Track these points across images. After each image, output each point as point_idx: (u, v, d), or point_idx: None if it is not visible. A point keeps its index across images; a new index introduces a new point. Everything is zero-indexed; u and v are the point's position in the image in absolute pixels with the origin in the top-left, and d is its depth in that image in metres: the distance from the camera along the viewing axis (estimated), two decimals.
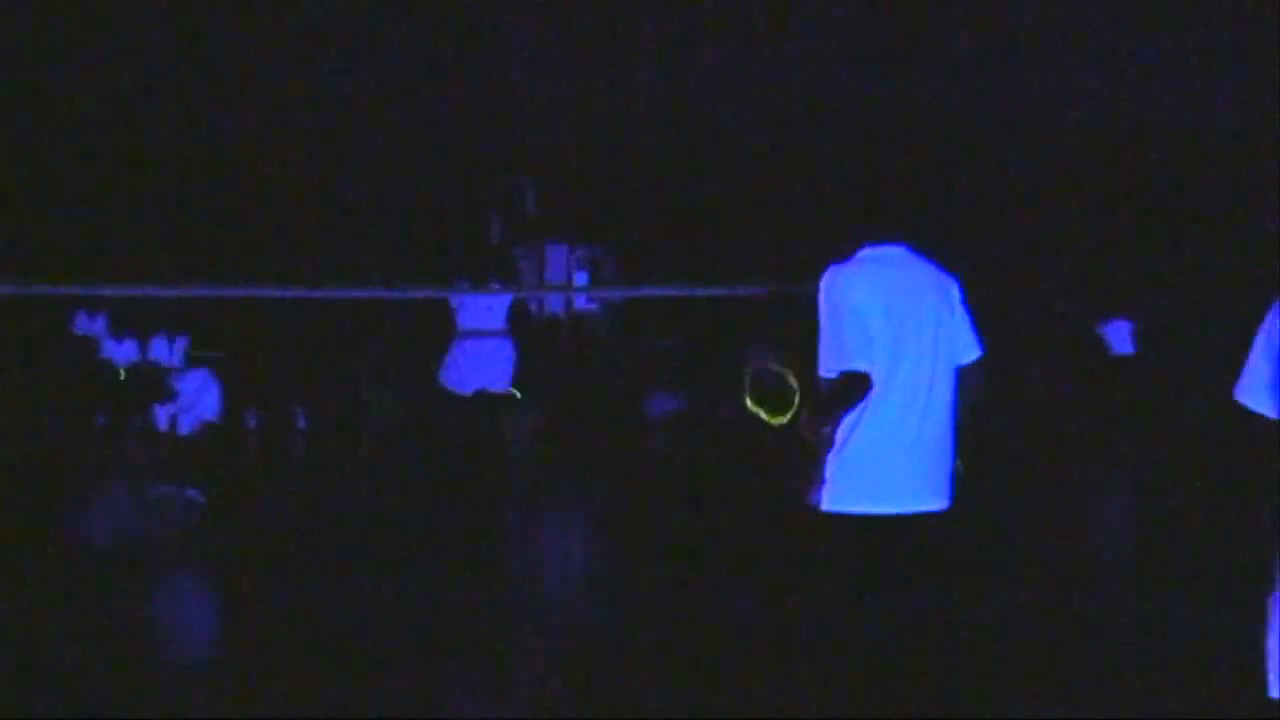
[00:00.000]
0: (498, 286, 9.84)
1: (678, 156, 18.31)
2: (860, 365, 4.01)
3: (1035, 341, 15.12)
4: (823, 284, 4.15)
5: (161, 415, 10.29)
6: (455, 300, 9.39)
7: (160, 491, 10.43)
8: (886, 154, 17.16)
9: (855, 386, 3.99)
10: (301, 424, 16.50)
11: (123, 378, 15.21)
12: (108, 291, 11.35)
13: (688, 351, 17.12)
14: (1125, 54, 16.73)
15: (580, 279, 18.62)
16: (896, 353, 4.04)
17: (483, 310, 9.44)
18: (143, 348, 15.06)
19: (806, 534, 4.02)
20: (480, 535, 9.15)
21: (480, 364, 9.47)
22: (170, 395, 10.31)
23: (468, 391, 9.53)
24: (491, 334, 9.46)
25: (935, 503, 4.01)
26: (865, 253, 4.22)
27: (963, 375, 4.12)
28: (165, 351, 15.24)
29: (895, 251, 4.20)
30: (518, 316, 9.52)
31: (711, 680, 5.65)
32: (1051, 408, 14.49)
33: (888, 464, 3.99)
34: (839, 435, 4.02)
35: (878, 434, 3.99)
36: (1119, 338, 14.97)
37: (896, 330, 4.04)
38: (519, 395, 9.51)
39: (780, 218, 17.68)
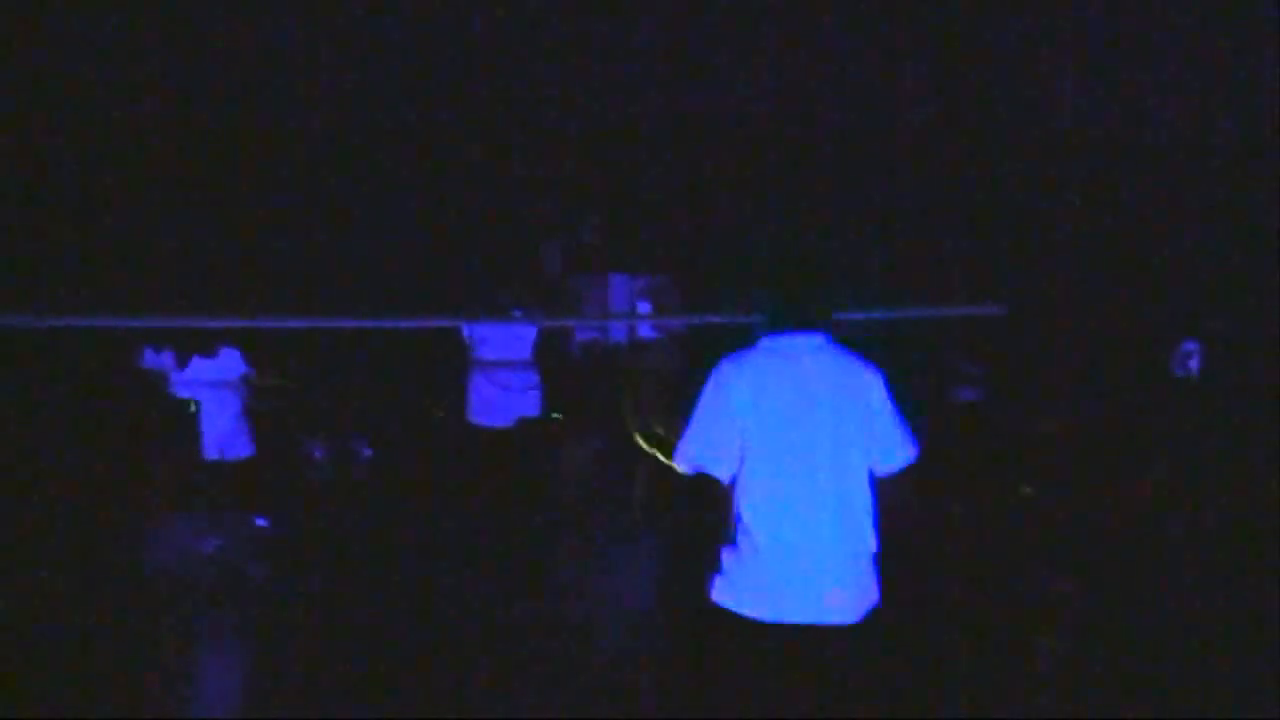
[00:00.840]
0: (519, 315, 9.80)
1: (743, 183, 18.27)
2: (711, 469, 3.79)
3: (1095, 365, 14.89)
4: (711, 374, 3.90)
5: (209, 447, 10.33)
6: (475, 332, 9.31)
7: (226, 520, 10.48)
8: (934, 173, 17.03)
9: (702, 487, 3.82)
10: (366, 453, 16.55)
11: (191, 410, 15.36)
12: (171, 323, 11.44)
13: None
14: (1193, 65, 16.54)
15: (643, 308, 18.59)
16: (780, 456, 3.73)
17: (511, 340, 9.40)
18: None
19: (697, 621, 3.84)
20: (534, 565, 9.12)
21: (512, 395, 9.41)
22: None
23: (505, 424, 9.45)
24: (518, 364, 9.41)
25: (832, 617, 3.67)
26: (764, 343, 3.92)
27: (887, 482, 3.80)
28: None
29: (804, 342, 3.87)
30: (547, 347, 9.46)
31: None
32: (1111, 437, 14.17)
33: (773, 570, 3.70)
34: (729, 528, 3.81)
35: (764, 538, 3.72)
36: (1181, 360, 14.63)
37: (781, 433, 3.74)
38: (559, 418, 9.47)
39: (842, 246, 17.58)
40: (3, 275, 15.00)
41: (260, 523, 10.44)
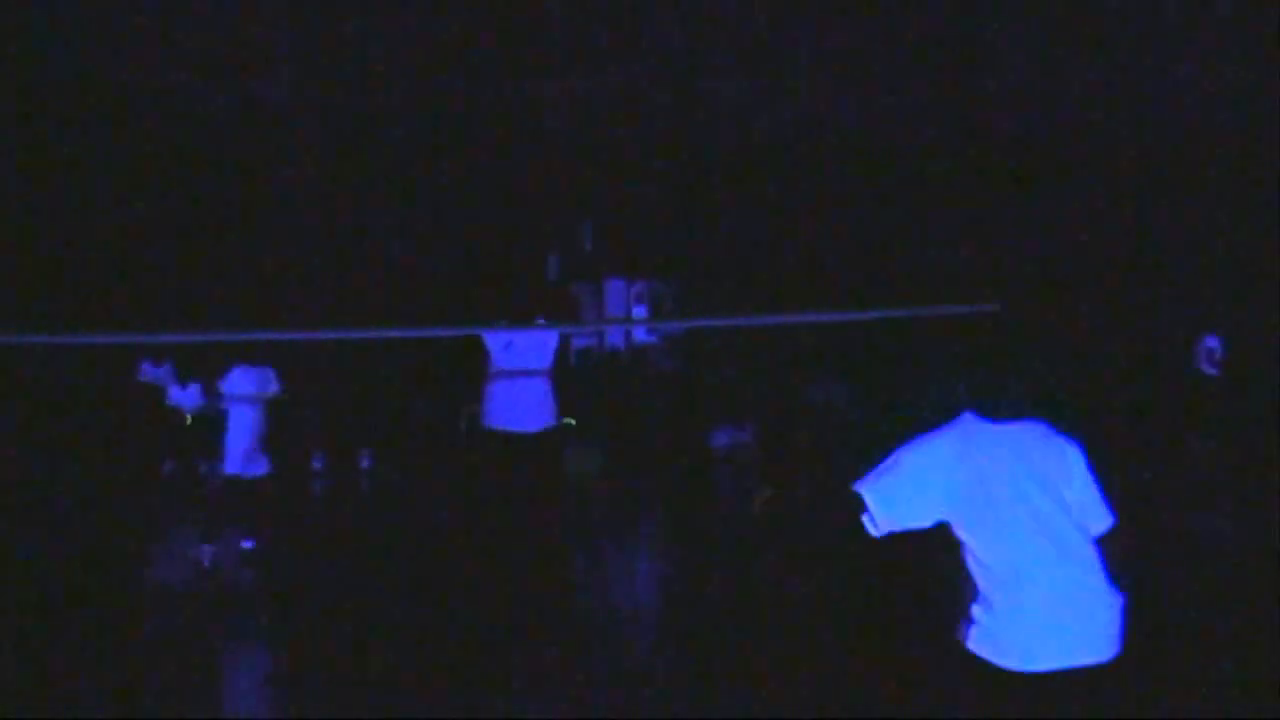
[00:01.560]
0: (542, 322, 9.80)
1: (737, 188, 18.30)
2: (873, 508, 3.87)
3: (1118, 360, 14.85)
4: (919, 442, 3.94)
5: (229, 463, 10.34)
6: (496, 340, 9.31)
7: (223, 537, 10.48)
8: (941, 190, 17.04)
9: (851, 507, 3.88)
10: (365, 464, 16.57)
11: (189, 423, 15.37)
12: (169, 338, 11.42)
13: (750, 383, 17.06)
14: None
15: (639, 313, 18.63)
16: (1006, 523, 3.82)
17: (532, 349, 9.40)
18: (208, 393, 15.21)
19: (955, 666, 3.86)
20: (544, 570, 9.12)
21: (535, 402, 9.41)
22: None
23: (524, 430, 9.44)
24: (537, 373, 9.40)
25: (1089, 657, 3.75)
26: (970, 420, 4.00)
27: (1101, 544, 3.88)
28: None
29: (1019, 428, 3.97)
30: (561, 355, 9.47)
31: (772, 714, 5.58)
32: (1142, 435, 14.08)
33: (1031, 625, 3.77)
34: (981, 588, 3.86)
35: (1015, 601, 3.79)
36: (1206, 356, 14.52)
37: (998, 499, 3.83)
38: (572, 422, 9.46)
39: (840, 248, 17.60)
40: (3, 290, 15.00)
41: (247, 544, 10.43)
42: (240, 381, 10.63)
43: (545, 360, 9.45)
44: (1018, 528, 3.81)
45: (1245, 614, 7.03)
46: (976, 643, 3.81)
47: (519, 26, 16.91)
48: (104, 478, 14.02)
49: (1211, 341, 14.65)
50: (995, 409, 3.98)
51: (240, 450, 10.43)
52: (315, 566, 10.00)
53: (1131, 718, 3.82)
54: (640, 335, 18.45)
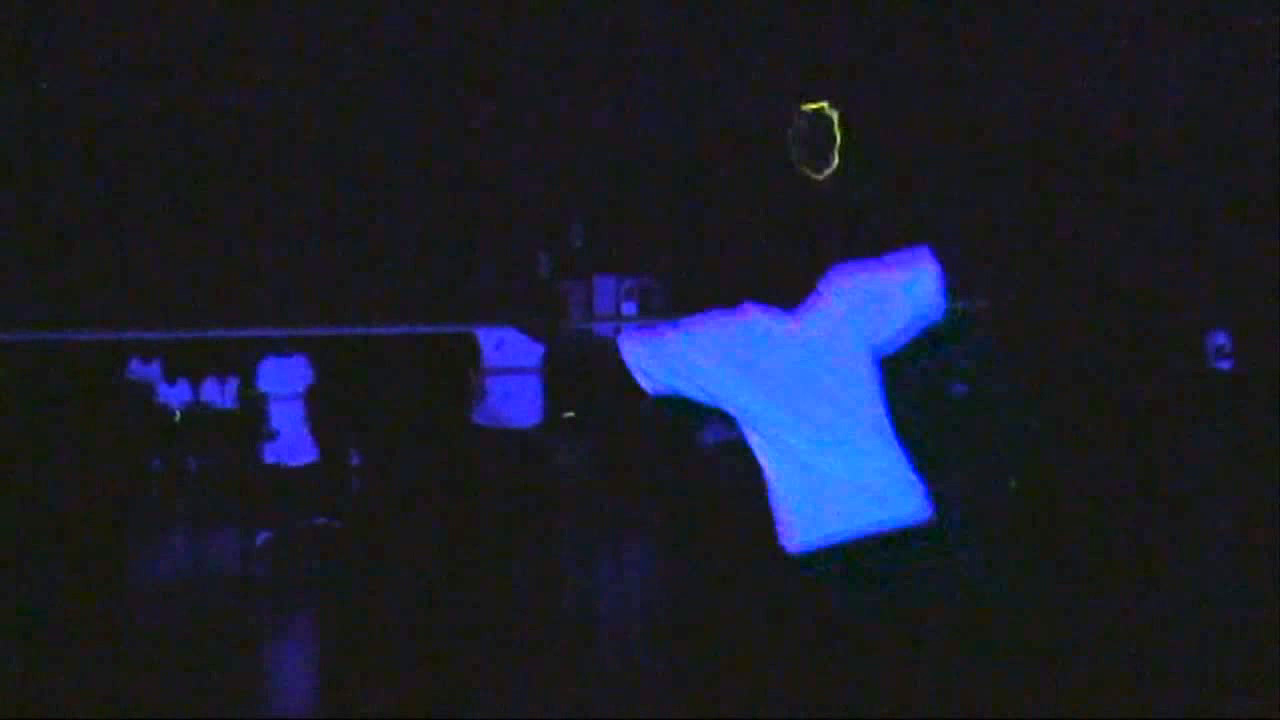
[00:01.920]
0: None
1: (728, 185, 18.30)
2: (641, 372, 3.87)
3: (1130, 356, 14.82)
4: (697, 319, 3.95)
5: (268, 452, 10.34)
6: (488, 337, 9.30)
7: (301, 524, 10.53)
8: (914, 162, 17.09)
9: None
10: (355, 460, 16.52)
11: (177, 420, 15.38)
12: (158, 336, 11.40)
13: None
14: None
15: (629, 309, 18.62)
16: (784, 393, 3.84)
17: (523, 346, 9.39)
18: (195, 390, 15.23)
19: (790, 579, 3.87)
20: (535, 565, 9.12)
21: (525, 399, 9.42)
22: (271, 434, 10.39)
23: (522, 425, 9.45)
24: (528, 370, 9.41)
25: (899, 517, 3.73)
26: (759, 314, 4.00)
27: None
28: (217, 393, 15.39)
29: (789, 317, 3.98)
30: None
31: (760, 707, 5.58)
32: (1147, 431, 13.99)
33: (821, 490, 3.77)
34: (766, 477, 3.86)
35: (793, 464, 3.78)
36: (1216, 351, 14.39)
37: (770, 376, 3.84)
38: (571, 415, 9.46)
39: (830, 245, 17.56)
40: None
41: (323, 521, 10.46)
42: (275, 374, 10.64)
43: (535, 357, 9.46)
44: (798, 407, 3.80)
45: (1246, 610, 7.05)
46: (787, 539, 3.83)
47: (510, 25, 16.89)
48: (92, 475, 14.00)
49: (1220, 338, 14.58)
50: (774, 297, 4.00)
51: (284, 440, 10.43)
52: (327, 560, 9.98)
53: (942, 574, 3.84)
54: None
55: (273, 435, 10.32)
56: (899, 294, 3.89)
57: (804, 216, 18.03)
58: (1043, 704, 5.44)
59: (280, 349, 10.49)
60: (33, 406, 14.24)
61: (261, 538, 10.43)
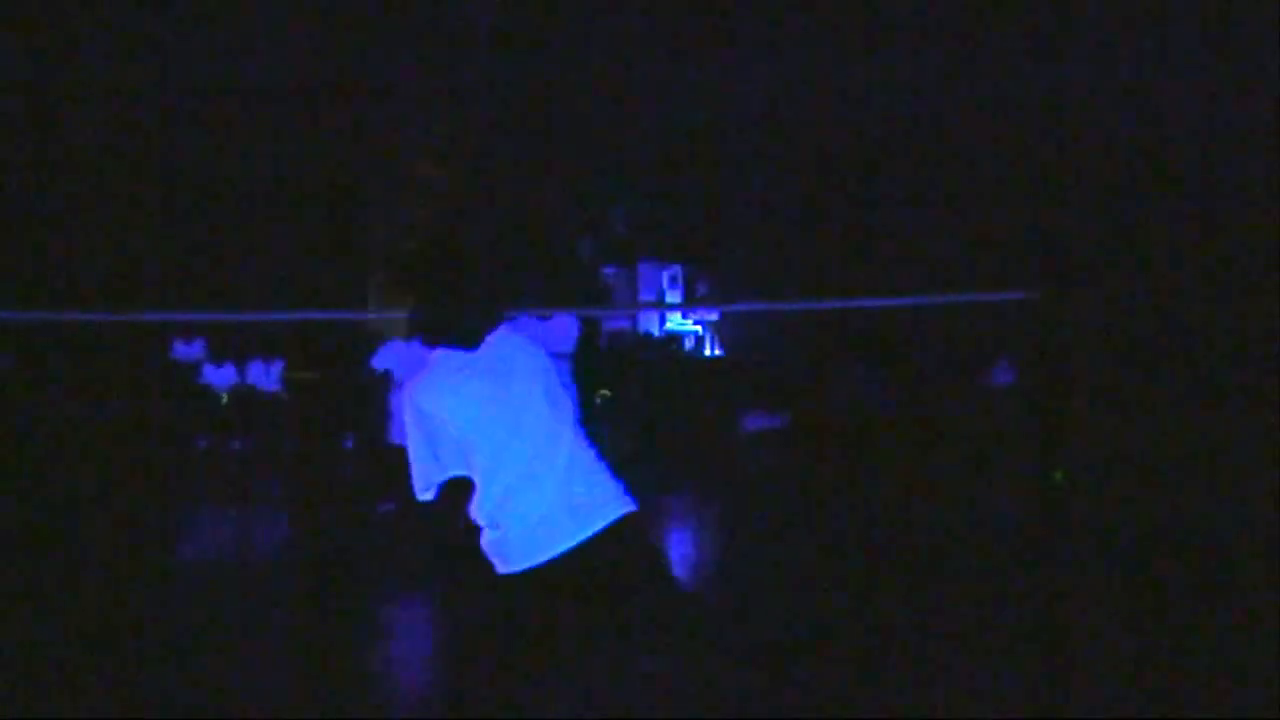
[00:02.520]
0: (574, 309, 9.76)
1: (772, 173, 18.24)
2: (454, 472, 3.96)
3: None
4: (405, 400, 4.03)
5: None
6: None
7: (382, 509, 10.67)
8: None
9: (452, 495, 3.97)
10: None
11: (225, 402, 15.50)
12: (202, 317, 11.48)
13: (785, 369, 17.01)
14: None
15: (672, 297, 18.62)
16: (496, 438, 3.96)
17: (558, 333, 9.35)
18: (241, 372, 15.34)
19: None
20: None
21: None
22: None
23: None
24: (563, 357, 9.36)
25: (601, 520, 3.89)
26: (437, 354, 4.08)
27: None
28: (263, 375, 15.49)
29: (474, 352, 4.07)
30: (589, 339, 9.43)
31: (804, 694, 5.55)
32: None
33: (542, 525, 3.92)
34: (477, 522, 3.97)
35: (513, 509, 3.93)
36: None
37: (490, 419, 3.95)
38: (606, 394, 9.43)
39: (870, 233, 17.52)
40: (40, 272, 15.09)
41: (388, 507, 10.58)
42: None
43: (569, 344, 9.42)
44: (501, 439, 3.87)
45: None
46: (497, 560, 3.97)
47: (555, 11, 16.89)
48: (138, 455, 14.11)
49: None
50: (456, 337, 4.07)
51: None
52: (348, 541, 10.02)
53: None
54: (673, 319, 18.44)
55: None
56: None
57: (849, 210, 17.98)
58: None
59: (397, 332, 10.59)
60: (80, 387, 14.38)
61: (383, 508, 10.56)
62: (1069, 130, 16.95)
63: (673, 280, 19.16)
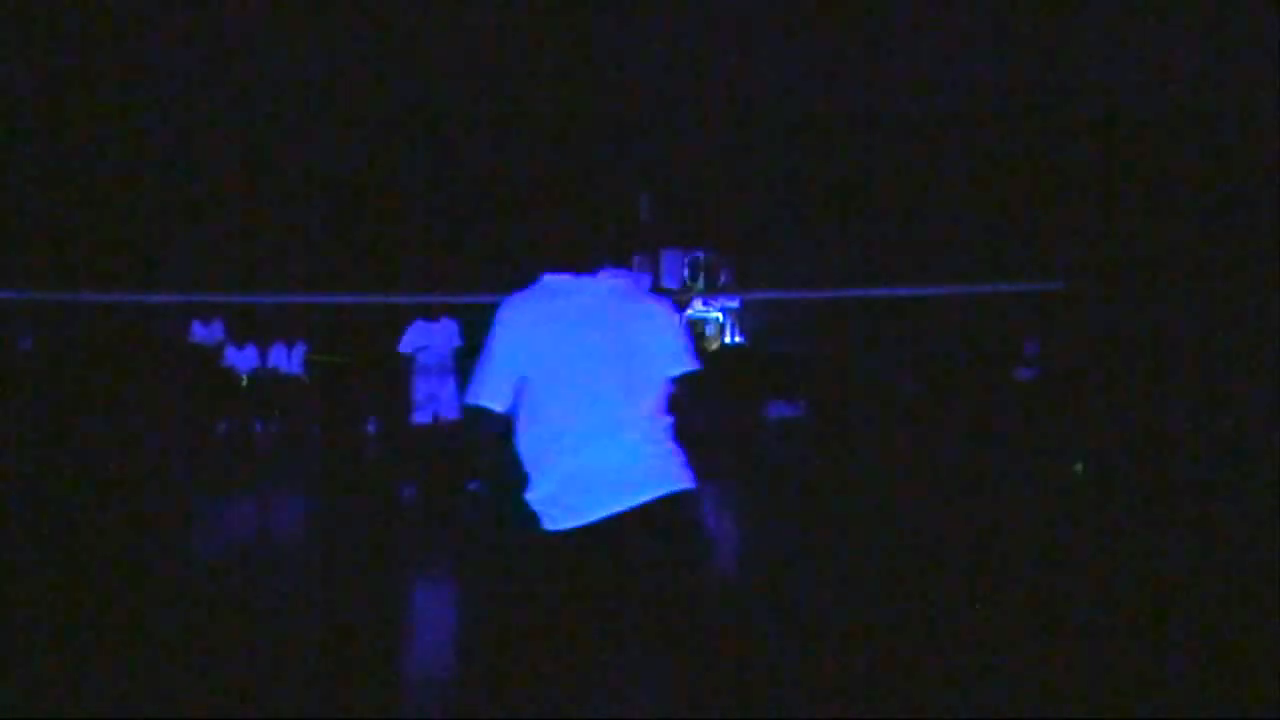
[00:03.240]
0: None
1: (796, 162, 18.18)
2: (481, 401, 3.88)
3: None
4: (496, 313, 3.97)
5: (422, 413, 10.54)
6: None
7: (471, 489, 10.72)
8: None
9: (478, 420, 3.88)
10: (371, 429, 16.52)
11: (245, 384, 15.51)
12: (221, 298, 11.48)
13: (807, 358, 16.97)
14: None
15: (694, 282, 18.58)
16: (558, 376, 3.87)
17: None
18: (262, 355, 15.35)
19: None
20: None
21: None
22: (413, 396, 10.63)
23: None
24: None
25: (641, 496, 3.80)
26: (544, 279, 4.00)
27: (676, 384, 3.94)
28: (284, 358, 15.50)
29: (577, 280, 3.96)
30: None
31: (825, 685, 5.52)
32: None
33: (578, 482, 3.84)
34: (522, 455, 3.91)
35: (550, 457, 3.86)
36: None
37: (544, 356, 3.86)
38: None
39: (895, 222, 17.45)
40: (57, 253, 15.13)
41: (474, 487, 10.61)
42: (422, 337, 10.75)
43: None
44: (565, 379, 3.83)
45: None
46: (541, 512, 3.88)
47: (586, 3, 16.86)
48: (159, 436, 14.14)
49: None
50: (569, 260, 3.98)
51: (428, 398, 10.59)
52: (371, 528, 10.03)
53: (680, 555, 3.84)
54: (695, 307, 18.39)
55: (414, 397, 10.56)
56: (673, 349, 3.97)
57: (873, 201, 17.92)
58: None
59: (430, 314, 10.63)
60: (102, 368, 14.43)
61: (407, 492, 10.65)
62: (1094, 123, 16.80)
63: (694, 267, 19.11)
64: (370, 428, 16.29)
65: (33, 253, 14.72)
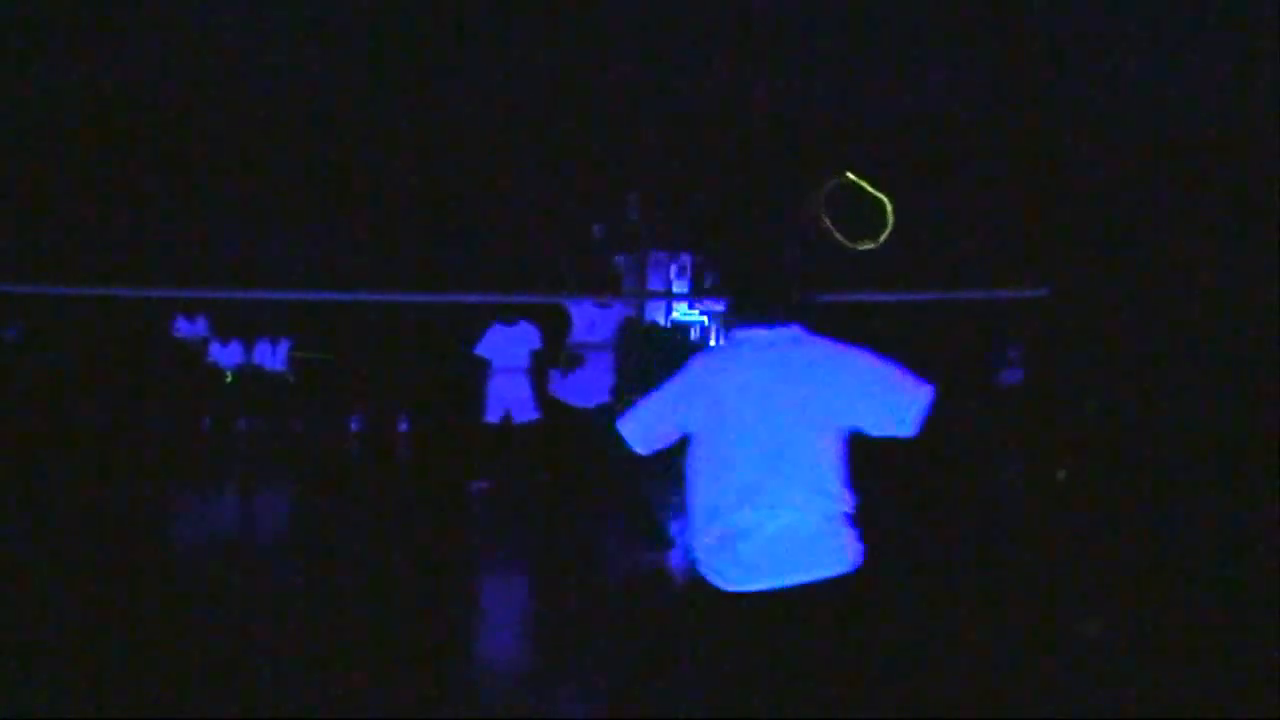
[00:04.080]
0: (609, 299, 9.78)
1: (783, 165, 18.19)
2: (628, 436, 3.84)
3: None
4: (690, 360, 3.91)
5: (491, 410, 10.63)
6: (582, 316, 9.27)
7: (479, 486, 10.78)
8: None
9: (620, 444, 3.85)
10: (404, 427, 16.54)
11: (230, 380, 15.48)
12: (210, 294, 11.46)
13: None
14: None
15: (680, 286, 18.59)
16: (724, 433, 3.77)
17: (600, 322, 9.35)
18: (247, 351, 15.33)
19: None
20: (586, 537, 9.08)
21: (599, 376, 9.29)
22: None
23: (587, 405, 9.36)
24: (603, 346, 9.31)
25: (805, 575, 3.67)
26: (735, 332, 3.90)
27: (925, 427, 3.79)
28: (269, 355, 15.48)
29: (772, 334, 3.84)
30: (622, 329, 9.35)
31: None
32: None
33: (733, 545, 3.76)
34: (689, 504, 3.85)
35: (720, 513, 3.77)
36: None
37: (722, 413, 3.76)
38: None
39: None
40: (45, 245, 15.08)
41: (544, 479, 10.69)
42: (500, 341, 10.79)
43: (608, 333, 9.40)
44: (736, 437, 3.74)
45: None
46: (703, 564, 3.78)
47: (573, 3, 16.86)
48: (142, 433, 14.11)
49: None
50: (750, 309, 3.88)
51: (501, 398, 10.67)
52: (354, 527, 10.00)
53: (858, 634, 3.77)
54: (680, 308, 18.39)
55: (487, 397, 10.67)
56: (890, 395, 3.81)
57: (859, 205, 17.92)
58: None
59: (507, 318, 10.67)
60: (86, 363, 14.38)
61: (477, 486, 10.72)
62: (1080, 130, 16.85)
63: (681, 270, 19.13)
64: (354, 425, 16.26)
65: (20, 244, 14.67)
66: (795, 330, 3.79)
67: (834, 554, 3.65)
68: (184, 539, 9.47)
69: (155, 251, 15.76)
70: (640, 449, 3.78)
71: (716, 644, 3.68)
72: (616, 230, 18.71)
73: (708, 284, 18.83)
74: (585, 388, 9.40)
